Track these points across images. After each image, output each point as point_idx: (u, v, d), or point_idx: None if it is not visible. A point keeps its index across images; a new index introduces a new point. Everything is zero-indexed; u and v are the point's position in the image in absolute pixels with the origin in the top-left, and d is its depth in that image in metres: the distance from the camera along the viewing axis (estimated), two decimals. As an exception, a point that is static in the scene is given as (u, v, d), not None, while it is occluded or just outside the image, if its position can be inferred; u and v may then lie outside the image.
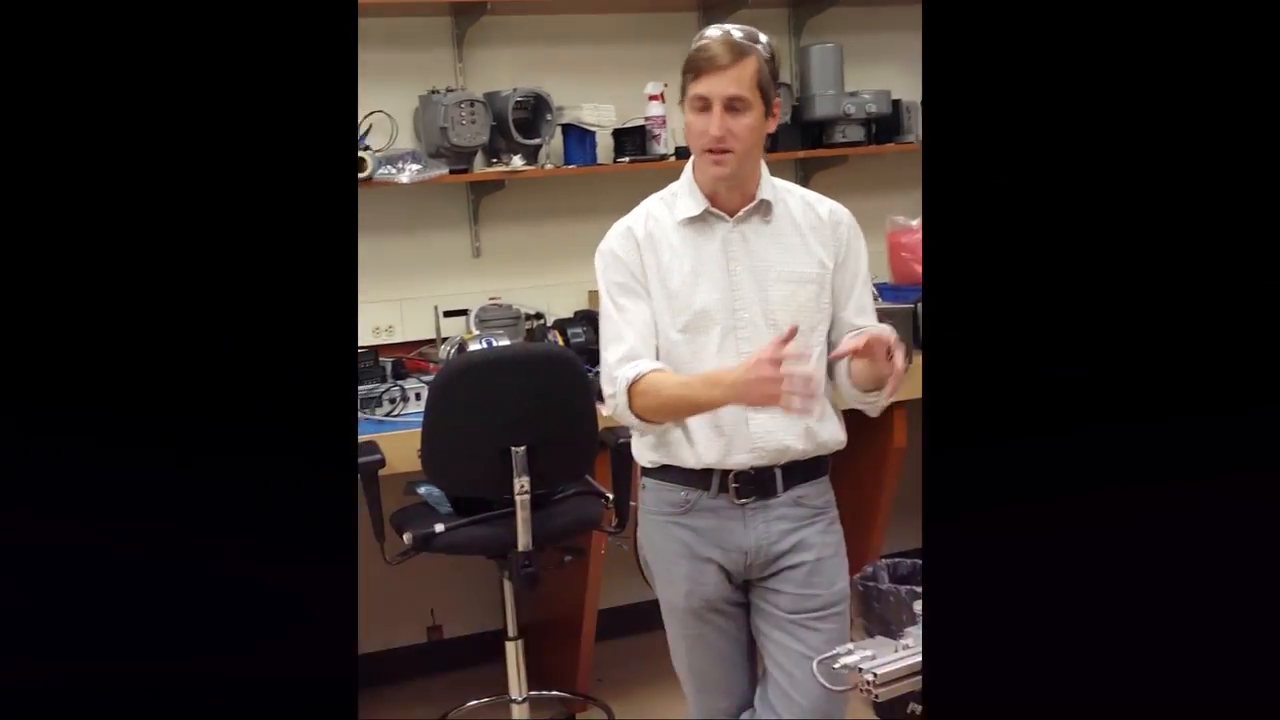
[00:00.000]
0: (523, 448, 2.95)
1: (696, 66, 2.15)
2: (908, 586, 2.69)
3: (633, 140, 3.89)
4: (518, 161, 3.75)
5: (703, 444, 2.28)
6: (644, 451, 2.38)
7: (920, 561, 2.71)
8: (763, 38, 2.19)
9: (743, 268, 2.25)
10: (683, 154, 3.75)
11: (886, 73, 4.33)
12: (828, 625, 2.32)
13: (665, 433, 2.29)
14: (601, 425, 3.09)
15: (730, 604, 2.37)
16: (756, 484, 2.31)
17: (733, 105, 2.14)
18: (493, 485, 2.97)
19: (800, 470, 2.34)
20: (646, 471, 2.39)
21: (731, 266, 2.25)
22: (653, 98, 3.91)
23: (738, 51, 2.13)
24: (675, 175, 2.36)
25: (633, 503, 2.52)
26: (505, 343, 3.54)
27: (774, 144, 3.97)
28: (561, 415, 2.97)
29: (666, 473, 2.34)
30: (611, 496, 3.22)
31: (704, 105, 2.15)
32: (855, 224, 2.35)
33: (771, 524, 2.32)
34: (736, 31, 2.17)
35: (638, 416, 2.23)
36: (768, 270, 2.25)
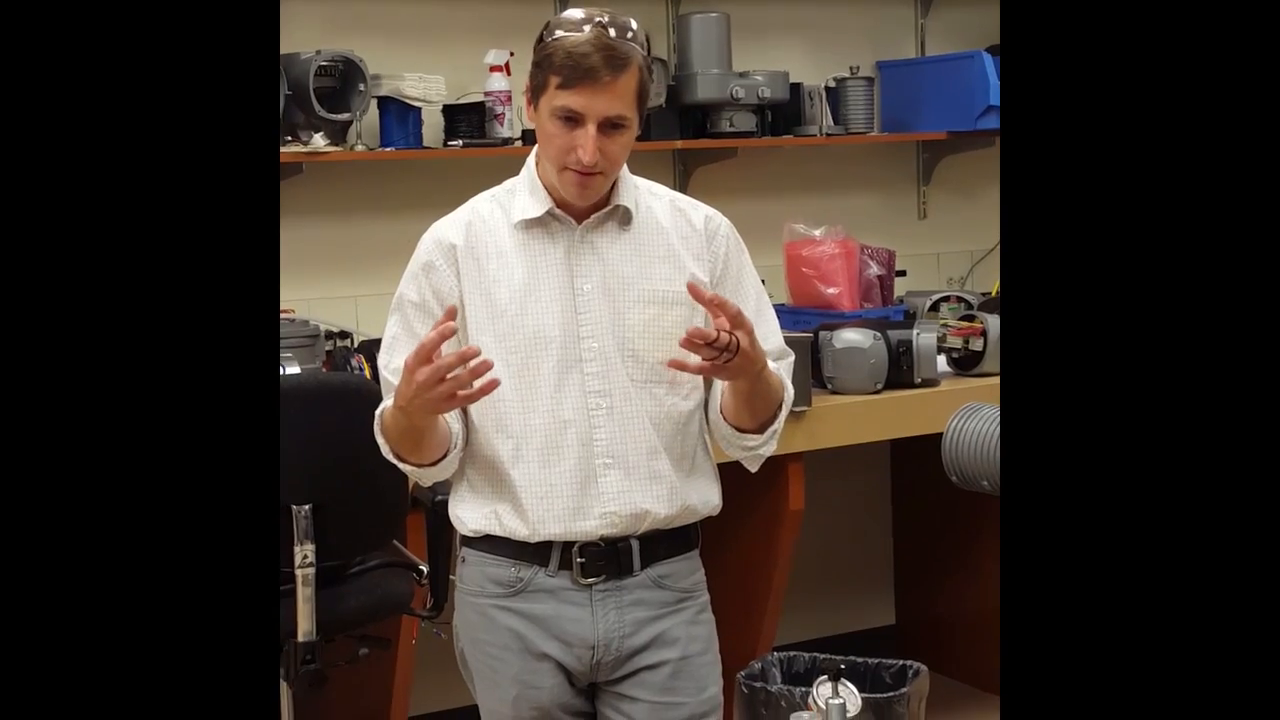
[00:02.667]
0: (307, 506, 2.91)
1: (566, 73, 2.12)
2: (804, 688, 2.57)
3: (468, 120, 3.87)
4: (319, 141, 3.71)
5: (536, 509, 2.24)
6: (462, 514, 2.32)
7: (819, 656, 2.65)
8: (634, 25, 2.17)
9: (593, 285, 2.24)
10: (531, 138, 3.76)
11: (783, 50, 4.40)
12: (696, 743, 2.33)
13: (491, 495, 2.27)
14: (415, 478, 3.25)
15: (571, 714, 2.33)
16: (607, 559, 2.28)
17: (612, 123, 2.14)
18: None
19: (663, 542, 2.31)
20: (466, 541, 2.33)
21: (578, 283, 2.24)
22: (494, 69, 3.89)
23: (620, 63, 2.12)
24: (520, 164, 2.31)
25: (452, 577, 2.45)
26: (294, 370, 3.45)
27: (646, 131, 4.07)
28: (361, 465, 2.74)
29: (492, 543, 2.30)
30: (426, 569, 3.18)
31: (573, 121, 2.14)
32: (736, 235, 2.36)
33: (625, 611, 2.29)
34: (612, 29, 2.14)
35: (395, 456, 2.27)
36: (625, 289, 2.25)
